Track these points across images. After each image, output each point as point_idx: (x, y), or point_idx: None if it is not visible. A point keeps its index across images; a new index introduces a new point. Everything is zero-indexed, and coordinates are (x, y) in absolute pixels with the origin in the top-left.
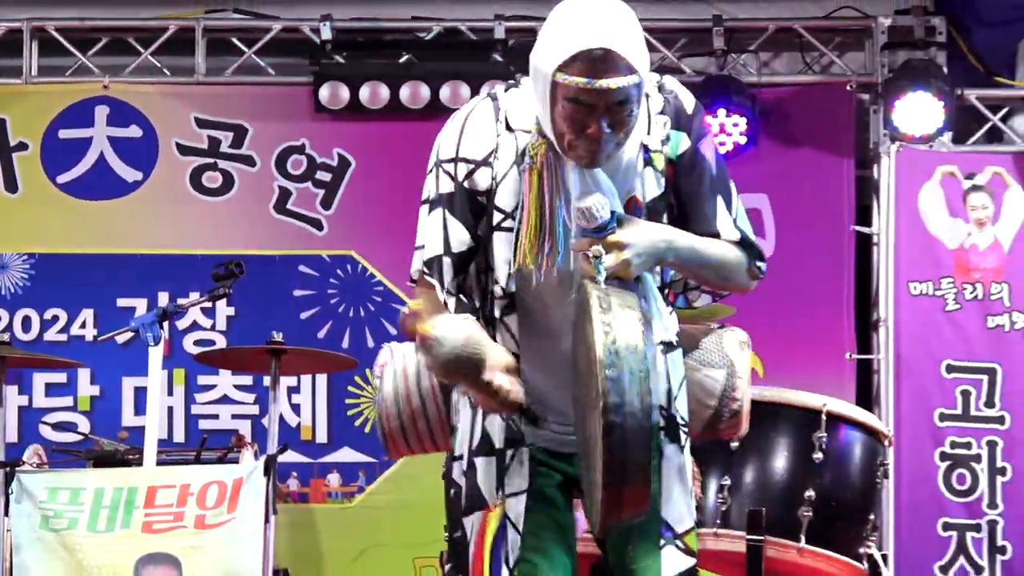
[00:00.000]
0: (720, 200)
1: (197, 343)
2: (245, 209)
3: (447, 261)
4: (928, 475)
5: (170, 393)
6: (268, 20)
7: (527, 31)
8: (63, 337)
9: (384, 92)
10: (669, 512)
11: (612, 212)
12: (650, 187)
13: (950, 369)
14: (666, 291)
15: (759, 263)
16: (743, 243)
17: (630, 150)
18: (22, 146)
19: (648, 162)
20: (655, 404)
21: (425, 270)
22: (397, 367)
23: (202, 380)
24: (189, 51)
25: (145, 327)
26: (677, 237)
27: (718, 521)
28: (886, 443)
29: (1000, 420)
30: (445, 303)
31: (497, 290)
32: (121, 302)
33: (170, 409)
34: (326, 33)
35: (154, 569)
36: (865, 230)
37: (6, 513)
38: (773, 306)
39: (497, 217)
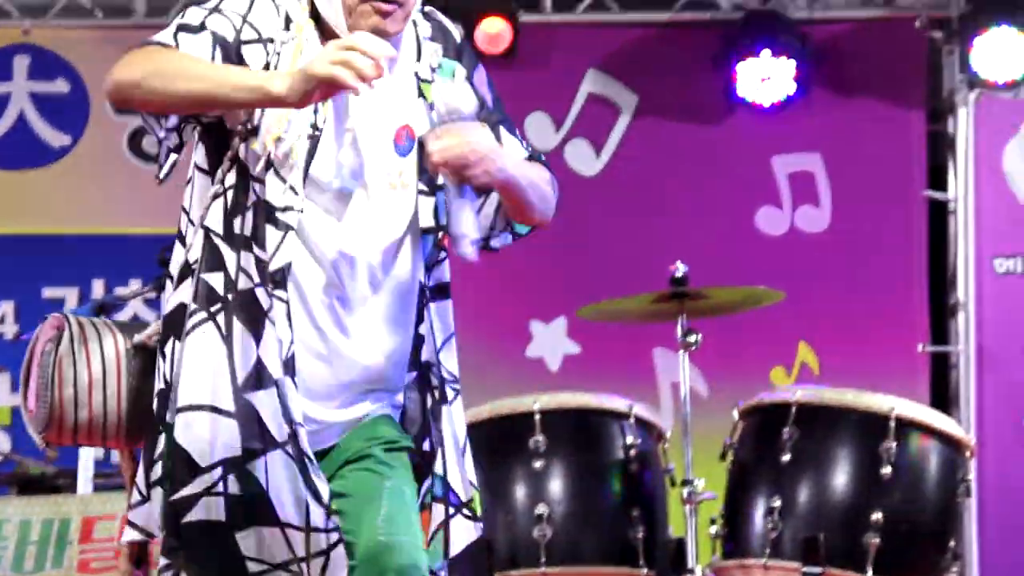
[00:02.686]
0: (505, 132)
1: None
2: None
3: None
4: (1019, 490)
5: None
6: None
7: None
8: None
9: None
10: (453, 478)
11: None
12: (420, 121)
13: None
14: (440, 235)
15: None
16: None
17: (402, 75)
18: None
19: (420, 93)
20: (429, 362)
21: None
22: (74, 331)
23: None
24: None
25: None
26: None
27: (767, 550)
28: (967, 453)
29: None
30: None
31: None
32: (48, 292)
33: None
34: None
35: None
36: (939, 196)
37: None
38: (831, 289)
39: None
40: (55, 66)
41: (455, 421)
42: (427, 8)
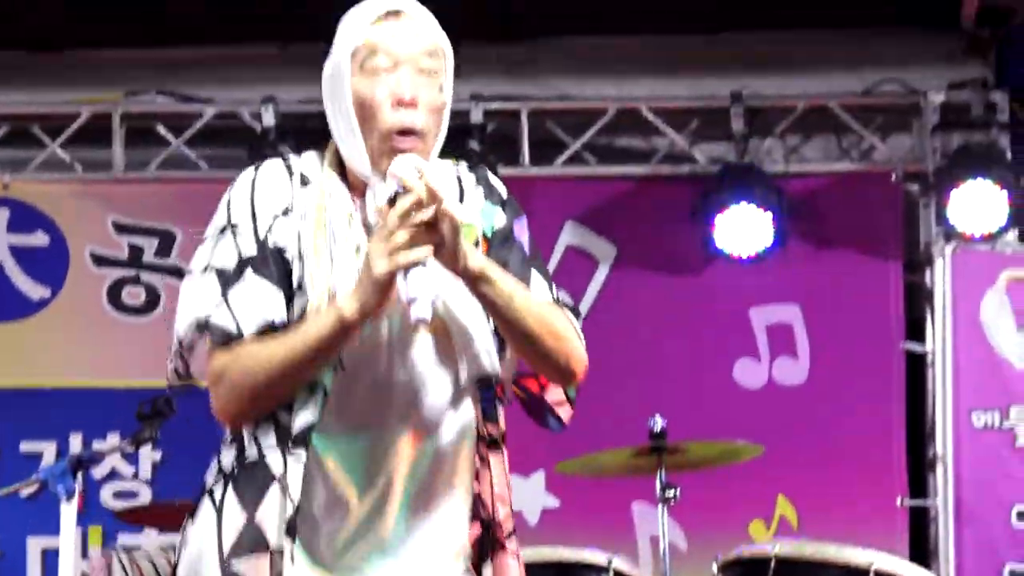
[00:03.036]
0: (536, 274)
1: (117, 496)
2: None
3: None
4: None
5: (85, 555)
6: (199, 104)
7: (510, 114)
8: None
9: None
10: None
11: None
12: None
13: (1022, 516)
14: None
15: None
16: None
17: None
18: None
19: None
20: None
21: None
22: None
23: (123, 540)
24: (105, 142)
25: (55, 478)
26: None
27: None
28: None
29: None
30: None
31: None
32: (25, 447)
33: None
34: (268, 119)
35: None
36: (917, 348)
37: None
38: (809, 442)
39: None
40: (34, 219)
41: (510, 570)
42: (474, 165)
